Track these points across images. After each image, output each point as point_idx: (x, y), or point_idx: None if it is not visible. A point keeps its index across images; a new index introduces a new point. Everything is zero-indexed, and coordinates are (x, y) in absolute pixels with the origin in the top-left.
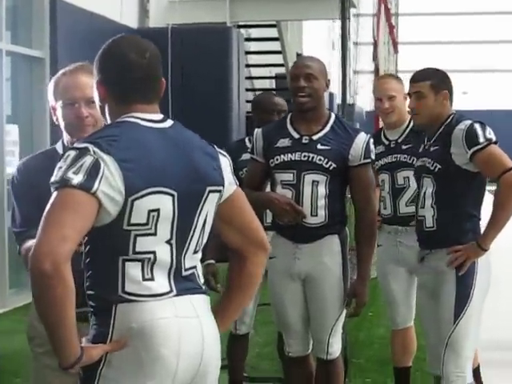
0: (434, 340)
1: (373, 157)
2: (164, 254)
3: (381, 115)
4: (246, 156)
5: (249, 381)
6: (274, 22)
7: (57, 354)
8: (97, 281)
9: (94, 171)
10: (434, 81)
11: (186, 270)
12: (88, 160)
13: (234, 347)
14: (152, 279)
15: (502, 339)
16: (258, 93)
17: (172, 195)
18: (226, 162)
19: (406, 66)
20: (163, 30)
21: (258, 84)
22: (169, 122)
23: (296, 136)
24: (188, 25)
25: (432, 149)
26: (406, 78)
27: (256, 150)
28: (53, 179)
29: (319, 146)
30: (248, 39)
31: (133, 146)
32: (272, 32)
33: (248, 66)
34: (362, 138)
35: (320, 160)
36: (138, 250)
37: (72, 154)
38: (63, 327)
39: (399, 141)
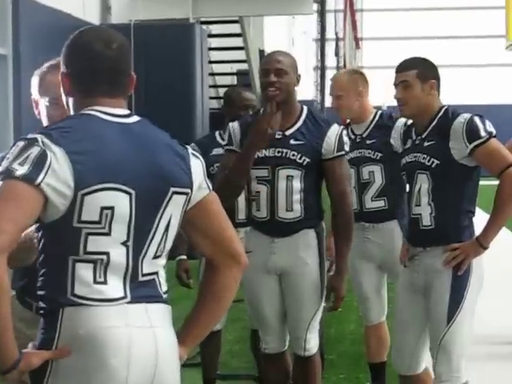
0: (409, 340)
1: (346, 149)
2: (119, 256)
3: (336, 111)
4: (217, 151)
5: (221, 378)
6: (236, 18)
7: None
8: (47, 281)
9: (40, 163)
10: (421, 69)
11: (143, 275)
12: (35, 151)
13: (207, 344)
14: (105, 282)
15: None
16: (220, 89)
17: (129, 193)
18: (197, 165)
19: (370, 62)
20: (126, 27)
21: (221, 80)
22: (135, 118)
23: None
24: (151, 21)
25: (426, 144)
26: (371, 73)
27: (234, 142)
28: None
29: (292, 141)
30: (210, 35)
31: (87, 139)
32: (234, 28)
33: (210, 62)
34: (334, 131)
35: (293, 155)
36: (89, 249)
37: (20, 144)
38: None
39: (364, 135)
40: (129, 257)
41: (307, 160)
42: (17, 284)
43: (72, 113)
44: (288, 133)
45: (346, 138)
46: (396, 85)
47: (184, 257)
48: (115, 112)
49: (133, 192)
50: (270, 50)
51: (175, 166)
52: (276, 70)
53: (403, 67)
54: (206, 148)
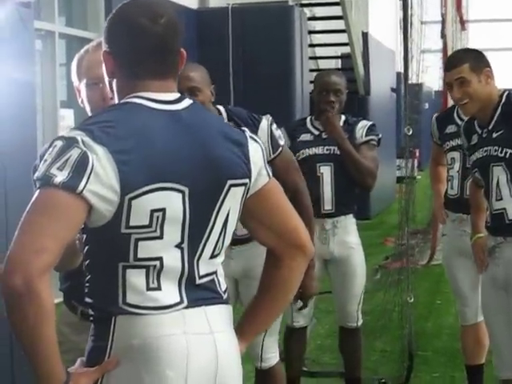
0: (503, 339)
1: (281, 143)
2: (173, 260)
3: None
4: (304, 136)
5: (308, 375)
6: (337, 0)
7: (38, 379)
8: (95, 288)
9: (81, 167)
10: (472, 62)
11: (201, 277)
12: (75, 153)
13: (291, 341)
14: (159, 288)
15: None
16: None
17: (181, 191)
18: (256, 150)
19: (476, 44)
20: (224, 10)
21: (324, 64)
22: (185, 103)
23: None
24: (249, 4)
25: (495, 135)
26: None
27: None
28: (36, 174)
29: None
30: (312, 18)
31: (133, 134)
32: (336, 10)
33: (312, 45)
34: (263, 135)
35: None
36: (140, 256)
37: (59, 144)
38: (38, 351)
39: None
40: (184, 260)
41: None
42: (62, 286)
43: (116, 97)
44: None
45: (277, 132)
46: (450, 84)
47: None
48: (164, 98)
49: (185, 189)
50: (374, 33)
51: (231, 154)
52: (188, 89)
53: (454, 64)
54: (295, 133)
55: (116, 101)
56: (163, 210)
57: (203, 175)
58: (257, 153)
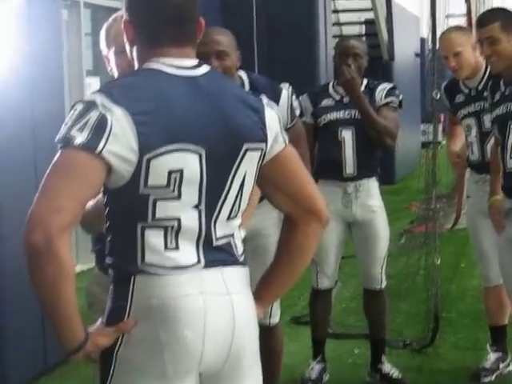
0: None
1: (297, 113)
2: (191, 220)
3: (452, 72)
4: (326, 102)
5: (333, 337)
6: None
7: (57, 336)
8: (115, 248)
9: (99, 128)
10: (503, 21)
11: (218, 238)
12: (94, 115)
13: (316, 302)
14: (176, 248)
15: None
16: None
17: (199, 153)
18: (272, 116)
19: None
20: None
21: (347, 30)
22: (203, 69)
23: None
24: None
25: None
26: None
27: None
28: (57, 137)
29: None
30: None
31: (152, 97)
32: None
33: (336, 11)
34: (284, 104)
35: None
36: (158, 216)
37: (79, 107)
38: (58, 309)
39: (479, 88)
40: (201, 220)
41: None
42: (94, 247)
43: (136, 64)
44: None
45: (296, 103)
46: (480, 41)
47: None
48: (182, 64)
49: (203, 152)
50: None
51: (248, 119)
52: (216, 53)
53: (484, 22)
54: (317, 99)
55: (136, 67)
56: (181, 171)
57: (220, 138)
58: (273, 119)
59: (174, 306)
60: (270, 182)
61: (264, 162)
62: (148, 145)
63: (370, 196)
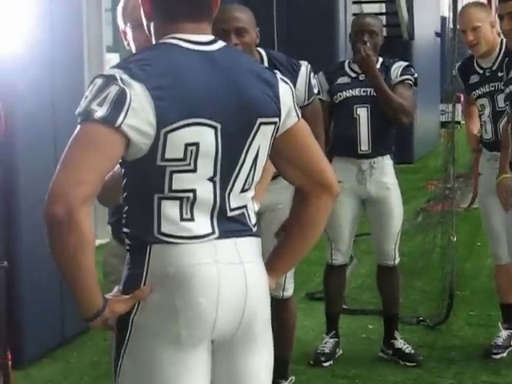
0: None
1: (315, 91)
2: (205, 192)
3: (468, 48)
4: (342, 80)
5: (348, 313)
6: None
7: (76, 304)
8: (132, 218)
9: (119, 102)
10: None
11: (232, 210)
12: (113, 90)
13: (330, 278)
14: (192, 219)
15: None
16: None
17: (214, 127)
18: (286, 90)
19: None
20: None
21: (367, 8)
22: (218, 45)
23: None
24: None
25: None
26: None
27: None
28: (77, 110)
29: None
30: None
31: (169, 72)
32: None
33: None
34: (302, 81)
35: None
36: (174, 187)
37: (98, 82)
38: (78, 279)
39: (493, 68)
40: (216, 192)
41: None
42: (111, 219)
43: (154, 39)
44: None
45: (314, 81)
46: (501, 16)
47: None
48: (198, 39)
49: (218, 125)
50: None
51: (262, 94)
52: (236, 30)
53: None
54: (333, 77)
55: (153, 42)
56: (197, 145)
57: (235, 113)
58: (287, 93)
59: (190, 274)
60: (282, 155)
61: (277, 136)
62: (165, 119)
63: (385, 173)
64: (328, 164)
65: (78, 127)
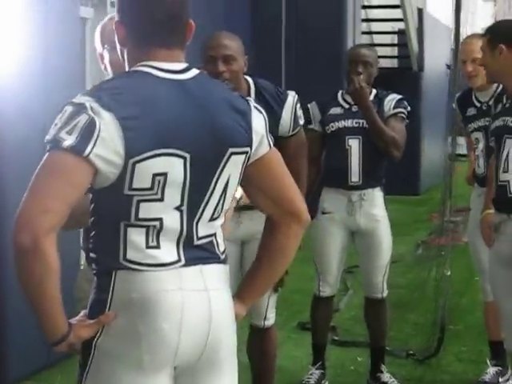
0: (509, 314)
1: (301, 122)
2: (172, 221)
3: (466, 78)
4: (335, 110)
5: (338, 344)
6: None
7: (42, 329)
8: (98, 244)
9: (88, 132)
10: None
11: (199, 238)
12: (83, 119)
13: (317, 310)
14: (157, 247)
15: None
16: (379, 48)
17: (183, 157)
18: (259, 119)
19: None
20: None
21: (379, 39)
22: (191, 73)
23: None
24: None
25: None
26: None
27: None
28: (46, 138)
29: None
30: None
31: (140, 101)
32: None
33: (367, 20)
34: (288, 111)
35: None
36: (141, 216)
37: (68, 110)
38: (43, 307)
39: (490, 103)
40: (183, 221)
41: None
42: (84, 244)
43: (127, 65)
44: None
45: (300, 112)
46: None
47: None
48: (171, 67)
49: (187, 156)
50: (431, 10)
51: (234, 123)
52: (224, 57)
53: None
54: (326, 107)
55: (126, 69)
56: (165, 175)
57: (205, 143)
58: (259, 122)
59: (154, 299)
60: (252, 183)
61: (248, 164)
62: (134, 149)
63: (374, 205)
64: (298, 193)
65: (47, 155)
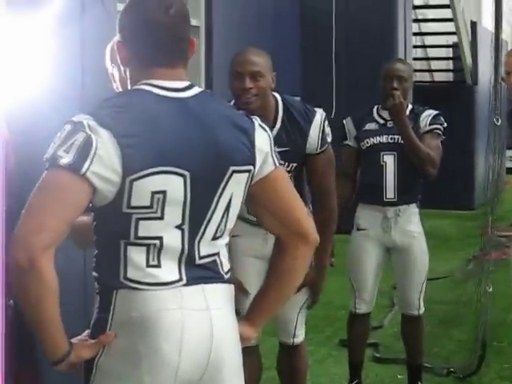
0: None
1: (329, 140)
2: (173, 240)
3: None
4: (370, 126)
5: (378, 361)
6: None
7: (42, 348)
8: (100, 262)
9: (84, 150)
10: None
11: (201, 257)
12: (80, 137)
13: (353, 327)
14: (158, 266)
15: None
16: (433, 62)
17: (182, 175)
18: (263, 137)
19: None
20: None
21: (433, 53)
22: (193, 91)
23: None
24: None
25: None
26: None
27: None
28: (45, 156)
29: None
30: (422, 6)
31: (140, 120)
32: None
33: (421, 33)
34: (316, 128)
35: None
36: (140, 234)
37: (67, 128)
38: (41, 326)
39: None
40: (184, 240)
41: (294, 165)
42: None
43: (129, 84)
44: None
45: (328, 129)
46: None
47: None
48: (173, 85)
49: (187, 173)
50: (486, 23)
51: (236, 141)
52: (251, 74)
53: None
54: (361, 123)
55: (129, 87)
56: (164, 193)
57: (206, 161)
58: (264, 140)
59: (154, 319)
60: (258, 202)
61: (252, 183)
62: (131, 167)
63: (410, 222)
64: (305, 212)
65: (44, 173)
